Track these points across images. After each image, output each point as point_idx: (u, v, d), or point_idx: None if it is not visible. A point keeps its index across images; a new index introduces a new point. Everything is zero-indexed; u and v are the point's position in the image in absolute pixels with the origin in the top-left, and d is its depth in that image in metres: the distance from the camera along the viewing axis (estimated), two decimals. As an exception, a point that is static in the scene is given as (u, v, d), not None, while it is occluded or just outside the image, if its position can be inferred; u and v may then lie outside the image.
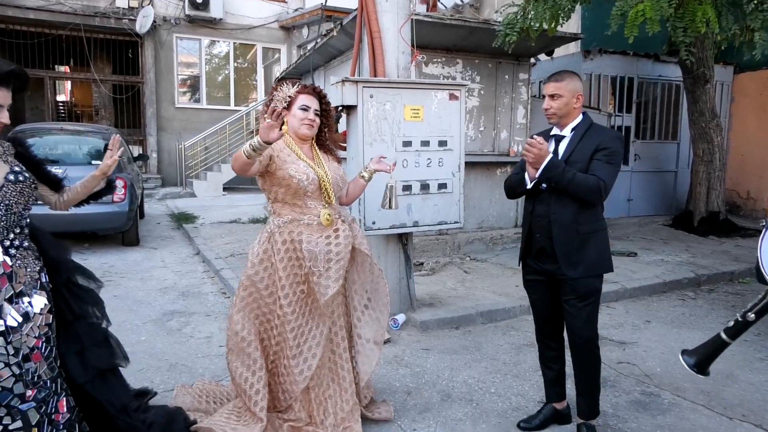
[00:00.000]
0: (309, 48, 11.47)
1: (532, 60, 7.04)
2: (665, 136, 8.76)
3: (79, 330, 2.05)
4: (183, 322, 4.34)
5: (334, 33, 5.73)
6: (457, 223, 4.28)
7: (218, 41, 14.27)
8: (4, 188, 1.84)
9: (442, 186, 4.14)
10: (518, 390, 3.25)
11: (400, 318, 4.22)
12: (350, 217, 2.72)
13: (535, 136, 2.47)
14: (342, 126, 4.20)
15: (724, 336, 1.11)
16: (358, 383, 2.75)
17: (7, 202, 1.84)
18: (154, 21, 12.73)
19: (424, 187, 4.08)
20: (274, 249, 2.51)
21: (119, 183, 6.69)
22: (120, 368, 2.27)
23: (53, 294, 2.00)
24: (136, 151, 12.13)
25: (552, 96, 2.52)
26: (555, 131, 2.62)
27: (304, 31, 14.10)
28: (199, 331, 4.16)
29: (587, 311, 2.52)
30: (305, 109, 2.57)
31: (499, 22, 5.40)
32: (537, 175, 2.43)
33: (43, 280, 1.95)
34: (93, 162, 6.79)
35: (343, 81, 3.75)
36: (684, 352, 1.18)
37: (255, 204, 10.24)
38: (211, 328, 4.22)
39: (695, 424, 2.89)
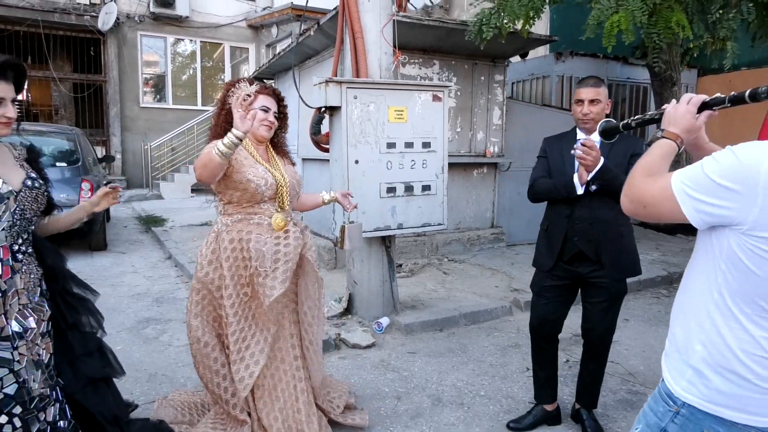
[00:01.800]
0: (281, 48, 11.30)
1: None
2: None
3: (72, 340, 2.00)
4: (159, 330, 4.19)
5: (311, 32, 5.64)
6: (441, 224, 4.26)
7: (184, 40, 13.92)
8: (22, 193, 1.81)
9: (426, 188, 4.11)
10: (507, 392, 3.25)
11: (384, 321, 4.18)
12: (302, 224, 2.64)
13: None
14: (325, 127, 4.13)
15: (620, 125, 1.66)
16: (314, 389, 2.68)
17: (22, 207, 1.81)
18: (118, 18, 12.32)
19: (408, 188, 4.04)
20: (221, 248, 2.42)
21: (85, 185, 6.43)
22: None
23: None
24: (100, 152, 11.72)
25: (592, 101, 2.53)
26: (581, 135, 2.62)
27: (273, 30, 13.89)
28: (177, 338, 4.01)
29: (614, 311, 2.66)
30: (266, 110, 2.48)
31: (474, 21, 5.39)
32: (589, 178, 2.44)
33: (43, 287, 1.91)
34: (57, 164, 6.49)
35: (326, 81, 3.68)
36: (602, 124, 1.74)
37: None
38: (189, 335, 4.08)
39: (682, 421, 2.93)
